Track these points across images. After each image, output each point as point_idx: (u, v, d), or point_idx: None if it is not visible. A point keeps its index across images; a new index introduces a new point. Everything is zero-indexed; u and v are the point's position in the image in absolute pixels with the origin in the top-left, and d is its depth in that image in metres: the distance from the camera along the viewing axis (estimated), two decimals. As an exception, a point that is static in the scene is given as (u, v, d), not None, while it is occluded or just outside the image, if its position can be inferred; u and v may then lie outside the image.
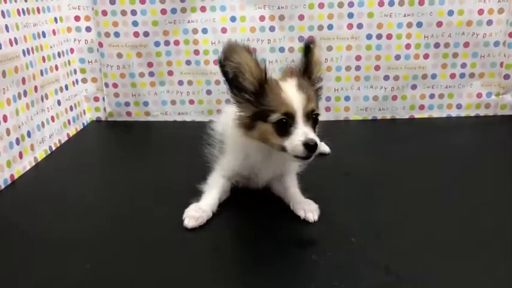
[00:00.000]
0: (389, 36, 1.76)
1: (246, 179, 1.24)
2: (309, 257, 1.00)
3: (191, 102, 1.87)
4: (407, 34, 1.75)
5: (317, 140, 1.04)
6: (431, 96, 1.84)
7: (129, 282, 0.92)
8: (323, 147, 1.48)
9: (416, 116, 1.86)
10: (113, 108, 1.87)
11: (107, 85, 1.84)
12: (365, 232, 1.08)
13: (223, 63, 1.06)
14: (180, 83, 1.84)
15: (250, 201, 1.25)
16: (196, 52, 1.79)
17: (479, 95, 1.84)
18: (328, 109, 1.86)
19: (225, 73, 1.07)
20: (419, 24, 1.73)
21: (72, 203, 1.26)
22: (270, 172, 1.22)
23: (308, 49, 1.12)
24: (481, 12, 1.71)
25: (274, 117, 1.05)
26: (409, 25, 1.74)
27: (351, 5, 1.72)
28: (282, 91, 1.06)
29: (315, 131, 1.08)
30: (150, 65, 1.80)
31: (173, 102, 1.87)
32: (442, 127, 1.83)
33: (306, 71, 1.13)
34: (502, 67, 1.79)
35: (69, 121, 1.72)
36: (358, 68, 1.80)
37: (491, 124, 1.85)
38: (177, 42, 1.78)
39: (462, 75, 1.81)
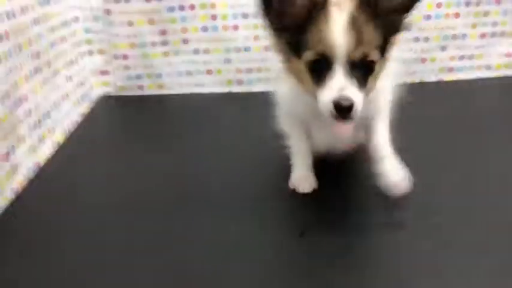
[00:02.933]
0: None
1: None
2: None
3: (208, 72, 1.78)
4: (437, -10, 1.72)
5: (355, 98, 0.82)
6: (461, 57, 1.82)
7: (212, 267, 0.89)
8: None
9: (445, 79, 1.84)
10: (124, 82, 1.77)
11: (116, 57, 1.72)
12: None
13: None
14: (196, 51, 1.74)
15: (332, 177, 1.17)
16: (214, 17, 1.69)
17: (509, 55, 1.82)
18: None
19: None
20: (448, -20, 1.70)
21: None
22: (330, 140, 1.05)
23: None
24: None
25: (308, 55, 0.85)
26: (439, -19, 1.70)
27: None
28: (326, 22, 0.82)
29: (365, 84, 0.86)
30: (163, 32, 1.69)
31: (189, 73, 1.78)
32: (471, 90, 1.79)
33: (375, 4, 0.85)
34: (532, 25, 1.79)
35: (80, 98, 1.62)
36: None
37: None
38: (192, 7, 1.67)
39: (493, 34, 1.78)
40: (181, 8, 1.67)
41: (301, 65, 0.86)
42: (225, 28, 1.70)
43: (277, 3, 0.85)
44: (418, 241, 0.96)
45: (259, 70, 1.77)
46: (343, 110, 0.81)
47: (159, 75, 1.77)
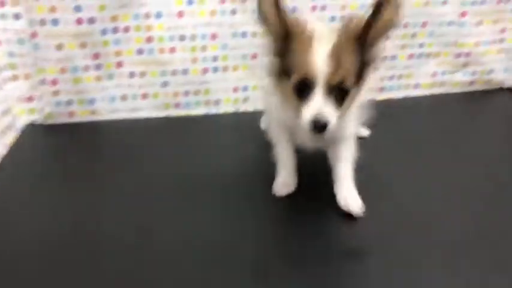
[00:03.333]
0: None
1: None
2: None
3: (145, 96, 1.71)
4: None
5: (330, 118, 0.97)
6: (391, 77, 1.92)
7: None
8: (362, 131, 1.42)
9: (376, 98, 1.92)
10: (53, 108, 1.64)
11: (43, 82, 1.60)
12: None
13: (257, 10, 1.03)
14: (132, 75, 1.68)
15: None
16: (150, 39, 1.63)
17: (434, 74, 1.95)
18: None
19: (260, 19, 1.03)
20: (381, 5, 1.78)
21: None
22: (310, 142, 1.18)
23: (378, 7, 0.96)
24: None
25: (293, 78, 1.00)
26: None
27: (313, -14, 1.71)
28: (309, 51, 0.97)
29: (341, 106, 1.00)
30: (96, 56, 1.61)
31: (124, 98, 1.70)
32: (402, 108, 1.89)
33: (363, 32, 0.98)
34: (454, 46, 1.89)
35: (4, 128, 1.49)
36: (321, 51, 1.81)
37: (445, 102, 1.95)
38: (127, 29, 1.61)
39: (419, 55, 1.89)
40: (115, 30, 1.59)
41: (288, 86, 1.02)
42: (162, 51, 1.66)
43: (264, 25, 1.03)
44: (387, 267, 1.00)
45: (197, 93, 1.74)
46: (318, 127, 0.97)
47: (92, 101, 1.67)
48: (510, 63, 1.96)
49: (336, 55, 0.96)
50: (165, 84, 1.71)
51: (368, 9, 0.99)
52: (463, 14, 1.84)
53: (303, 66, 0.97)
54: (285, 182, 1.23)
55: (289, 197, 1.24)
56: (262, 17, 1.02)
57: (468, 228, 1.14)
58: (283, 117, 1.17)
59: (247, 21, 1.67)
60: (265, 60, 1.10)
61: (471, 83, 1.97)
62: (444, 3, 1.80)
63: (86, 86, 1.64)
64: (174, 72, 1.69)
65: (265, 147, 1.39)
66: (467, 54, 1.91)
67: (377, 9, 0.97)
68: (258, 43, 1.70)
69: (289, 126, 1.18)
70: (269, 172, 1.32)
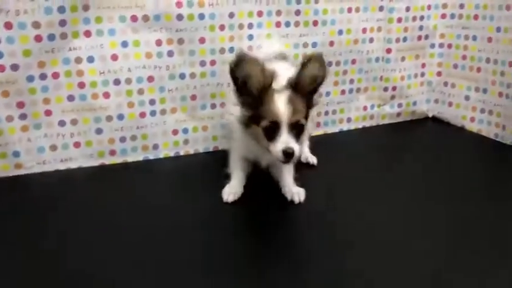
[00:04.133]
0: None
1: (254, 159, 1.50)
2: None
3: (77, 145, 1.60)
4: (303, 54, 1.83)
5: (295, 148, 1.25)
6: (326, 113, 1.98)
7: None
8: (310, 158, 1.69)
9: (313, 133, 1.96)
10: (-30, 164, 1.49)
11: (-41, 136, 1.45)
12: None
13: (233, 71, 1.25)
14: (62, 123, 1.56)
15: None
16: (81, 85, 1.54)
17: (364, 108, 2.04)
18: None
19: (234, 79, 1.26)
20: (314, 44, 1.82)
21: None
22: (268, 159, 1.43)
23: (304, 64, 1.28)
24: (364, 31, 1.90)
25: (264, 123, 1.28)
26: (305, 45, 1.81)
27: (250, 26, 1.71)
28: (274, 101, 1.26)
29: (298, 139, 1.29)
30: (20, 105, 1.48)
31: (53, 148, 1.57)
32: (337, 141, 1.97)
33: (299, 83, 1.29)
34: (381, 81, 2.01)
35: None
36: (259, 90, 1.81)
37: (374, 133, 2.06)
38: (56, 75, 1.50)
39: (350, 91, 1.98)
40: (43, 76, 1.48)
41: (259, 129, 1.29)
42: (95, 96, 1.57)
43: (242, 86, 1.27)
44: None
45: (133, 138, 1.66)
46: (288, 155, 1.25)
47: (16, 154, 1.52)
48: (431, 95, 2.11)
49: (291, 102, 1.27)
50: (99, 131, 1.62)
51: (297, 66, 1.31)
52: (388, 51, 1.97)
53: (271, 113, 1.26)
54: (232, 190, 1.45)
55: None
56: (244, 74, 1.24)
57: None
58: (247, 153, 1.46)
59: (185, 62, 1.66)
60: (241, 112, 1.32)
61: (398, 114, 2.09)
62: (371, 40, 1.92)
63: (9, 138, 1.49)
64: (108, 118, 1.61)
65: (208, 188, 1.46)
66: (394, 88, 2.03)
67: (304, 65, 1.27)
68: (196, 84, 1.69)
69: (253, 153, 1.44)
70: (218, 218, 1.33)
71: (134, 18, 1.55)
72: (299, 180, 1.48)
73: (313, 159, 1.68)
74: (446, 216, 1.36)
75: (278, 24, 1.74)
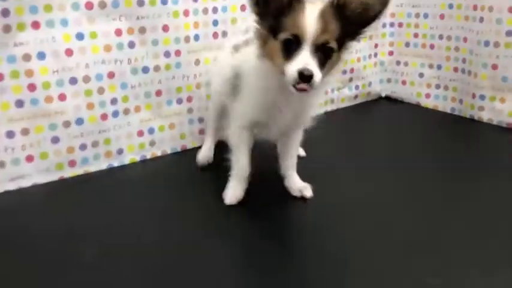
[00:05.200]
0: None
1: (262, 128, 1.29)
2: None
3: (29, 158, 1.36)
4: None
5: (315, 71, 1.05)
6: (290, 100, 1.90)
7: None
8: (299, 151, 1.52)
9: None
10: None
11: None
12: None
13: None
14: (10, 134, 1.31)
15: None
16: (32, 87, 1.30)
17: (325, 92, 1.99)
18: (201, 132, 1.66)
19: None
20: (278, 28, 1.74)
21: None
22: (288, 118, 1.24)
23: None
24: (324, 12, 1.85)
25: (283, 35, 1.08)
26: (270, 29, 1.73)
27: (215, 11, 1.57)
28: (301, 13, 1.07)
29: (323, 67, 1.08)
30: (-43, 116, 1.21)
31: (1, 165, 1.32)
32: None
33: (344, 2, 1.07)
34: (340, 63, 2.00)
35: None
36: (226, 81, 1.68)
37: (336, 116, 2.01)
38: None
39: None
40: (-17, 79, 1.24)
41: (276, 44, 1.09)
42: (49, 100, 1.34)
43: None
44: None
45: (95, 145, 1.45)
46: (305, 77, 1.04)
47: (-46, 176, 1.26)
48: (384, 75, 2.14)
49: (323, 19, 1.06)
50: (55, 140, 1.39)
51: None
52: (345, 32, 1.95)
53: (294, 25, 1.06)
54: (235, 192, 1.31)
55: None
56: None
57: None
58: (265, 88, 1.20)
59: (148, 54, 1.48)
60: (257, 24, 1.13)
61: (355, 96, 2.09)
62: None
63: None
64: (66, 124, 1.39)
65: (184, 193, 1.36)
66: (351, 70, 2.02)
67: None
68: (161, 78, 1.53)
69: (269, 108, 1.22)
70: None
71: (89, 6, 1.35)
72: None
73: (302, 152, 1.55)
74: (409, 185, 1.41)
75: (243, 8, 1.64)
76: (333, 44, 1.08)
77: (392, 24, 2.05)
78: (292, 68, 1.05)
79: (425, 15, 1.96)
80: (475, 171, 1.50)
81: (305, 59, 1.04)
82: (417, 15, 1.99)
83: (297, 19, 1.05)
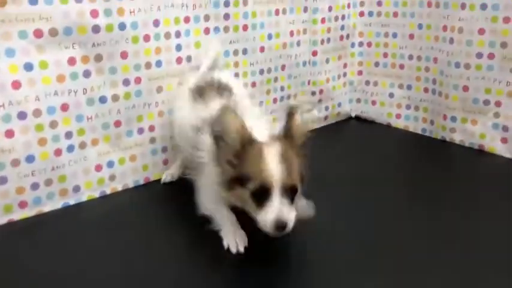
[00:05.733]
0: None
1: None
2: None
3: (-28, 202, 1.23)
4: (235, 62, 1.66)
5: (290, 218, 1.04)
6: (259, 124, 1.83)
7: None
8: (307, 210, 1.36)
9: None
10: None
11: None
12: None
13: (213, 128, 1.08)
14: (-51, 177, 1.19)
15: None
16: (-26, 124, 1.19)
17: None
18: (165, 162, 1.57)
19: (215, 137, 1.08)
20: (244, 51, 1.66)
21: None
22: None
23: (289, 115, 1.10)
24: (291, 33, 1.79)
25: (251, 185, 1.06)
26: (235, 53, 1.64)
27: (177, 35, 1.48)
28: (262, 159, 1.06)
29: (292, 203, 1.07)
30: None
31: None
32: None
33: (291, 135, 1.10)
34: (309, 85, 1.92)
35: None
36: (190, 107, 1.59)
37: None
38: None
39: (282, 98, 1.84)
40: None
41: (244, 192, 1.07)
42: (-6, 137, 1.23)
43: (218, 137, 1.08)
44: None
45: (48, 183, 1.33)
46: (280, 228, 1.03)
47: None
48: (354, 95, 2.09)
49: (284, 160, 1.06)
50: (2, 180, 1.26)
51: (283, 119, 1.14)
52: (314, 53, 1.88)
53: (259, 173, 1.04)
54: (237, 237, 1.20)
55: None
56: (222, 128, 1.06)
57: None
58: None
59: (105, 83, 1.38)
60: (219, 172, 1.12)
61: (326, 117, 2.03)
62: (298, 43, 1.82)
63: None
64: (14, 163, 1.26)
65: (149, 229, 1.28)
66: (321, 91, 1.96)
67: (290, 115, 1.10)
68: (120, 108, 1.43)
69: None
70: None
71: (39, 34, 1.23)
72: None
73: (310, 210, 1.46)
74: (379, 205, 1.38)
75: (206, 31, 1.56)
76: (298, 183, 1.08)
77: (361, 44, 2.01)
78: (266, 218, 1.03)
79: (395, 35, 1.92)
80: (446, 195, 1.46)
81: (278, 207, 1.02)
82: (386, 35, 1.95)
83: (261, 167, 1.04)
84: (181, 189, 1.48)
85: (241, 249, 1.16)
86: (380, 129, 2.04)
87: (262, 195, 1.04)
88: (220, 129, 1.05)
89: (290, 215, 1.04)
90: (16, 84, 1.23)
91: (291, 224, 1.04)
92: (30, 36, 1.23)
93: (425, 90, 1.89)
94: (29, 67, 1.24)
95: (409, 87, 1.94)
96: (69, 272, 1.11)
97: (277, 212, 1.02)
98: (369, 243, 1.22)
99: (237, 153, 1.07)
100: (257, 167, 1.04)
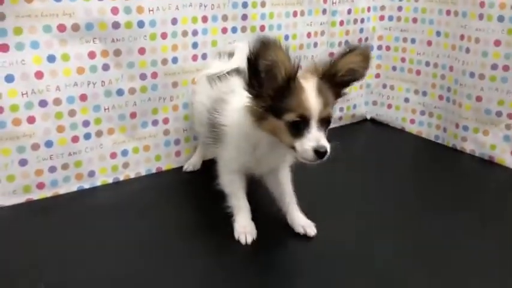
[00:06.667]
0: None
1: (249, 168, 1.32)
2: None
3: (-6, 181, 1.35)
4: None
5: (328, 146, 1.09)
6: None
7: None
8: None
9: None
10: None
11: None
12: None
13: (255, 60, 1.04)
14: (-26, 157, 1.30)
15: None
16: (-1, 110, 1.31)
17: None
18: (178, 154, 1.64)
19: (253, 70, 1.06)
20: (260, 51, 1.72)
21: None
22: (272, 162, 1.29)
23: (345, 53, 1.12)
24: (309, 35, 1.83)
25: (289, 117, 1.09)
26: (252, 51, 1.70)
27: (195, 33, 1.54)
28: (302, 92, 1.09)
29: (326, 134, 1.13)
30: None
31: (-38, 188, 1.31)
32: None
33: (332, 73, 1.13)
34: (324, 85, 1.97)
35: None
36: (205, 103, 1.66)
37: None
38: (-36, 99, 1.24)
39: (295, 97, 1.90)
40: None
41: (280, 124, 1.10)
42: (17, 122, 1.31)
43: (263, 76, 1.07)
44: None
45: (65, 167, 1.43)
46: (321, 154, 1.08)
47: None
48: (370, 97, 2.11)
49: (322, 94, 1.09)
50: (23, 162, 1.36)
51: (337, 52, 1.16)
52: (331, 55, 1.89)
53: (299, 106, 1.08)
54: (247, 229, 1.28)
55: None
56: (269, 59, 1.04)
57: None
58: (245, 160, 1.25)
59: (123, 76, 1.46)
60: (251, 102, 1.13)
61: (340, 118, 2.06)
62: (315, 45, 1.84)
63: None
64: (34, 147, 1.36)
65: (157, 216, 1.34)
66: (336, 92, 2.01)
67: (344, 54, 1.12)
68: (136, 100, 1.50)
69: (256, 157, 1.24)
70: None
71: (62, 28, 1.32)
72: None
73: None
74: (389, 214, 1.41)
75: (224, 30, 1.62)
76: (332, 113, 1.14)
77: (380, 47, 2.02)
78: (305, 146, 1.08)
79: (413, 41, 1.93)
80: (455, 204, 1.47)
81: (317, 136, 1.08)
82: (405, 40, 1.96)
83: (301, 99, 1.07)
84: (194, 179, 1.59)
85: (249, 241, 1.24)
86: (394, 133, 2.06)
87: (300, 126, 1.08)
88: (267, 60, 1.04)
89: (327, 143, 1.09)
90: (39, 74, 1.32)
91: (329, 150, 1.08)
92: (54, 30, 1.31)
93: (440, 97, 1.89)
94: (51, 59, 1.33)
95: (424, 93, 1.95)
96: (80, 251, 1.20)
97: (317, 139, 1.07)
98: (372, 247, 1.25)
99: (278, 86, 1.08)
100: (297, 100, 1.07)
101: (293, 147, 1.11)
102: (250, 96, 1.12)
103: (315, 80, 1.11)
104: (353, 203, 1.48)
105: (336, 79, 1.14)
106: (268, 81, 1.08)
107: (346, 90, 1.19)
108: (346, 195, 1.52)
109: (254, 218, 1.31)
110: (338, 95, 1.17)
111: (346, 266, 1.19)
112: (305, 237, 1.27)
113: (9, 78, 1.28)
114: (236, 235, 1.27)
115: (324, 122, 1.11)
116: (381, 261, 1.20)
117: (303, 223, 1.30)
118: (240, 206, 1.31)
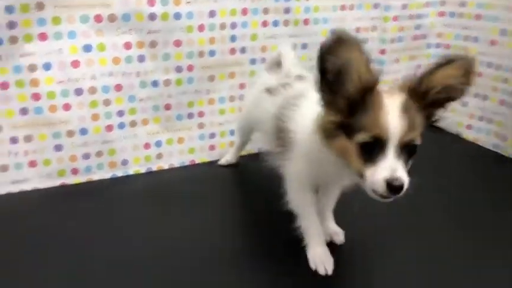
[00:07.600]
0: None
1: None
2: None
3: (32, 164, 1.40)
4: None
5: (405, 179, 0.88)
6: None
7: None
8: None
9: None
10: None
11: None
12: None
13: (325, 57, 0.86)
14: (14, 140, 1.36)
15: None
16: (36, 96, 1.34)
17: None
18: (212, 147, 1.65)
19: (322, 68, 0.87)
20: (304, 46, 1.66)
21: None
22: (335, 183, 1.16)
23: (441, 65, 0.91)
24: (357, 30, 1.75)
25: (361, 137, 0.90)
26: (294, 47, 1.62)
27: (233, 26, 1.53)
28: (380, 108, 0.89)
29: (407, 165, 0.92)
30: (-38, 121, 1.28)
31: (4, 168, 1.37)
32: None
33: (421, 87, 0.91)
34: (374, 84, 1.88)
35: None
36: (242, 97, 1.62)
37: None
38: (5, 85, 1.29)
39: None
40: (-11, 87, 1.29)
41: (350, 144, 0.91)
42: (53, 109, 1.37)
43: (331, 79, 0.88)
44: None
45: (99, 154, 1.47)
46: (395, 189, 0.87)
47: (-43, 177, 1.33)
48: (425, 98, 2.00)
49: (407, 113, 0.89)
50: (58, 147, 1.42)
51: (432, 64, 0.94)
52: (382, 52, 1.82)
53: (374, 125, 0.88)
54: (324, 258, 1.14)
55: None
56: (340, 58, 0.85)
57: None
58: (315, 177, 1.11)
59: (158, 68, 1.47)
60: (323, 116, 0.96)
61: (390, 119, 1.98)
62: (365, 41, 1.76)
63: None
64: (69, 133, 1.41)
65: (189, 209, 1.32)
66: (386, 92, 1.91)
67: (440, 66, 0.91)
68: (171, 92, 1.52)
69: (322, 176, 1.11)
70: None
71: (99, 19, 1.35)
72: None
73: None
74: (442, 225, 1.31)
75: (265, 24, 1.58)
76: (418, 140, 0.91)
77: (438, 45, 1.89)
78: (378, 176, 0.88)
79: (475, 39, 1.78)
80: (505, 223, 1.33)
81: (392, 165, 0.88)
82: (466, 38, 1.81)
83: (377, 117, 0.88)
84: (228, 174, 1.59)
85: (330, 272, 1.11)
86: (448, 139, 1.92)
87: (374, 149, 0.89)
88: (341, 63, 0.86)
89: (405, 176, 0.89)
90: (75, 63, 1.36)
91: (405, 186, 0.88)
92: (91, 20, 1.35)
93: (501, 102, 1.73)
94: (88, 48, 1.36)
95: (484, 97, 1.79)
96: (109, 237, 1.22)
97: (392, 169, 0.87)
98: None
99: (351, 97, 0.90)
100: (373, 117, 0.88)
101: (362, 175, 0.92)
102: (322, 103, 0.94)
103: (400, 96, 0.91)
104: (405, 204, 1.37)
105: (428, 97, 0.92)
106: (339, 86, 0.89)
107: (440, 112, 0.96)
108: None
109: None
110: (429, 117, 0.96)
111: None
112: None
113: (47, 66, 1.33)
114: (312, 265, 1.13)
115: (407, 148, 0.90)
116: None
117: (331, 231, 1.21)
118: (312, 231, 1.16)
